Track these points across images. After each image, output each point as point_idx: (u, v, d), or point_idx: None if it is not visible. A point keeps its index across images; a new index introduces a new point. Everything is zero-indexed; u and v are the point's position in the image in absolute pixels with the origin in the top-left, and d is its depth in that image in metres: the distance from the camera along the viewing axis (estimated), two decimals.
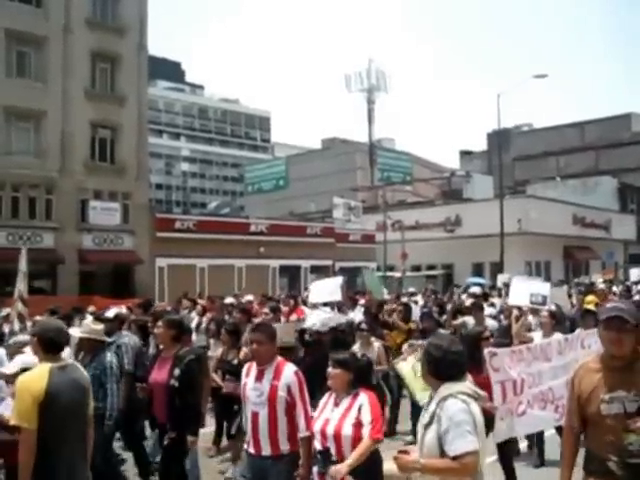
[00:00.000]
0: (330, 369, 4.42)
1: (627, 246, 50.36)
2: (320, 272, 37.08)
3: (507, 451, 6.11)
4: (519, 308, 9.10)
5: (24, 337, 6.62)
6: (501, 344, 7.67)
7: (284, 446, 4.59)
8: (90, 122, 28.18)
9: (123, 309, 10.92)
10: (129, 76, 29.63)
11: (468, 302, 12.72)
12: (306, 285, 34.33)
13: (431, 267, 40.67)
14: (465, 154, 70.34)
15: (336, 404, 4.37)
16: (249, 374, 4.78)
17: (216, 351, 8.70)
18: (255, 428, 4.64)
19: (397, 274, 35.48)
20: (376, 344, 8.33)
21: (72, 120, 27.45)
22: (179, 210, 61.84)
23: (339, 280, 12.11)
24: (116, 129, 29.22)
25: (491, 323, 9.73)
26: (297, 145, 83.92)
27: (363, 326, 8.58)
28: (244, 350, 7.11)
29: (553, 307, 10.15)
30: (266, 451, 4.60)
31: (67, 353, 7.01)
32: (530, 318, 9.21)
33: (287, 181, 55.47)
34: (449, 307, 13.28)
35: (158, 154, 76.28)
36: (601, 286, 18.81)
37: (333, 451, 4.20)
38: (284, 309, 13.48)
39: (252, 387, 4.68)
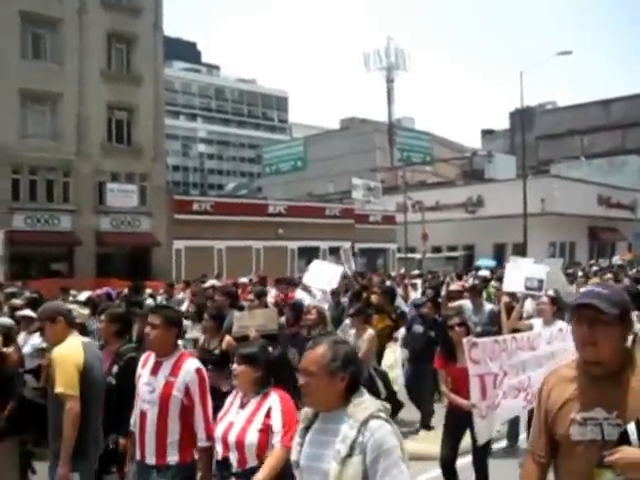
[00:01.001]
0: (235, 365, 3.77)
1: None
2: (340, 254, 36.75)
3: (482, 453, 5.51)
4: (511, 294, 8.55)
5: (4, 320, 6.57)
6: (488, 332, 7.12)
7: (172, 457, 3.83)
8: (106, 104, 27.92)
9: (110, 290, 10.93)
10: (145, 57, 29.30)
11: (453, 286, 11.73)
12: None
13: (452, 248, 40.14)
14: (487, 133, 69.17)
15: (242, 406, 3.70)
16: (146, 365, 4.04)
17: (192, 333, 8.22)
18: (142, 430, 3.89)
19: (417, 255, 35.02)
20: (369, 331, 7.55)
21: (88, 102, 27.22)
22: (196, 192, 61.66)
23: (339, 270, 11.41)
24: (132, 110, 28.94)
25: (489, 308, 9.01)
26: (315, 125, 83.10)
27: (352, 311, 7.86)
28: (227, 338, 6.58)
29: (551, 292, 9.63)
30: (150, 459, 3.85)
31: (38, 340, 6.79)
32: (528, 305, 8.62)
33: (305, 162, 55.05)
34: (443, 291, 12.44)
35: (175, 136, 75.98)
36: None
37: (234, 461, 3.53)
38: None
39: (145, 381, 3.95)
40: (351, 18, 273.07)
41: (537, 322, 6.93)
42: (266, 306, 7.55)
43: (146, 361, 4.05)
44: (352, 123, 63.24)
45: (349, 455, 2.49)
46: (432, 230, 35.63)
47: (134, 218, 28.48)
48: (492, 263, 26.94)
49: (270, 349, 4.59)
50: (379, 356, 8.56)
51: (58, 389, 4.04)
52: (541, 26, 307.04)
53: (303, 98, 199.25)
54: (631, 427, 2.23)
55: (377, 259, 38.10)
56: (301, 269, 31.96)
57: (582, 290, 2.69)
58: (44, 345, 6.42)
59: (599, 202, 42.89)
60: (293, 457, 2.70)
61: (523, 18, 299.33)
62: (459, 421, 5.47)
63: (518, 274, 7.90)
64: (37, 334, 6.87)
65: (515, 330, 6.80)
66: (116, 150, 28.41)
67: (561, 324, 6.49)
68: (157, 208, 28.84)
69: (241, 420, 3.62)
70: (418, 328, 8.33)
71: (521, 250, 30.39)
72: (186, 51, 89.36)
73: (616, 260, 26.39)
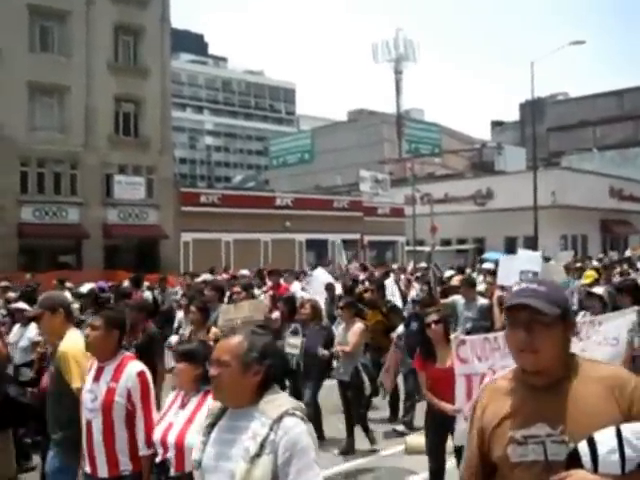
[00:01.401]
0: (174, 363, 3.65)
1: None
2: (348, 246, 36.55)
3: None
4: (504, 288, 8.24)
5: None
6: (480, 328, 6.90)
7: (125, 466, 3.63)
8: (114, 96, 27.82)
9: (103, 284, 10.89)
10: (152, 49, 29.15)
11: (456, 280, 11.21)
12: (334, 260, 33.91)
13: (462, 241, 39.83)
14: (497, 125, 68.68)
15: (182, 405, 3.51)
16: (90, 371, 3.83)
17: (186, 329, 8.14)
18: (89, 441, 3.65)
19: (426, 248, 34.75)
20: (358, 324, 7.34)
21: (95, 94, 27.13)
22: (203, 184, 61.54)
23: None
24: (139, 103, 28.81)
25: (480, 302, 8.48)
26: (323, 117, 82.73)
27: (342, 303, 7.66)
28: (214, 330, 6.47)
29: None
30: (102, 472, 3.62)
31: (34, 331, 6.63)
32: None
33: (312, 154, 54.80)
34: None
35: (182, 128, 75.82)
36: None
37: (172, 463, 3.33)
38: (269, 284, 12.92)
39: (88, 388, 3.73)
40: (359, 9, 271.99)
41: None
42: (253, 298, 7.39)
43: (91, 367, 3.83)
44: (360, 115, 62.89)
45: (258, 454, 2.27)
46: (441, 223, 35.31)
47: (141, 210, 28.36)
48: (498, 256, 25.65)
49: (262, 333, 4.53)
50: (377, 351, 8.30)
51: (75, 384, 3.97)
52: (553, 16, 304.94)
53: (311, 90, 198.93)
54: (583, 447, 1.85)
55: (386, 252, 37.87)
56: (309, 262, 31.93)
57: (515, 288, 2.25)
58: (40, 338, 6.30)
59: (611, 194, 42.44)
60: (195, 456, 2.45)
61: (534, 8, 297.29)
62: (440, 425, 5.16)
63: (512, 267, 7.64)
64: (33, 326, 6.75)
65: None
66: (123, 142, 28.30)
67: None
68: (164, 200, 28.71)
69: (181, 421, 3.43)
70: (414, 326, 8.05)
71: (532, 243, 30.09)
72: (193, 43, 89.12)
73: (627, 253, 25.98)
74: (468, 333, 7.14)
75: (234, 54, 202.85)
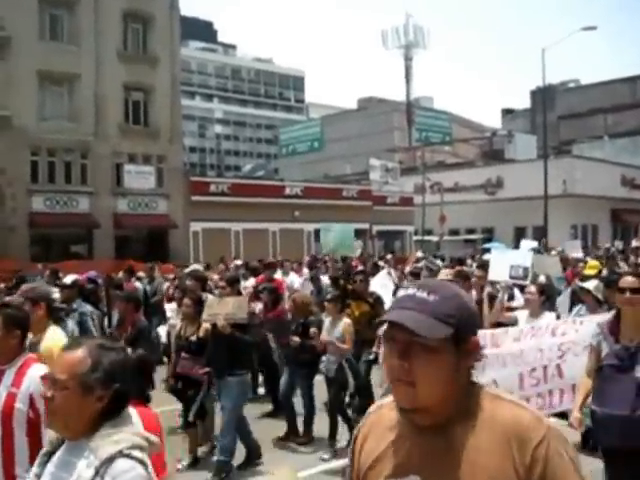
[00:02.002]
0: None
1: None
2: (357, 235, 36.51)
3: None
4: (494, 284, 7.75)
5: None
6: None
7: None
8: (123, 84, 27.80)
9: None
10: (161, 37, 29.07)
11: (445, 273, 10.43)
12: None
13: (470, 231, 39.70)
14: (507, 113, 68.08)
15: None
16: None
17: (176, 319, 8.04)
18: None
19: (435, 238, 34.69)
20: (345, 320, 7.11)
21: (105, 83, 27.12)
22: (213, 173, 61.57)
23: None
24: (149, 91, 28.80)
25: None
26: (332, 105, 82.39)
27: (329, 296, 7.43)
28: (205, 325, 6.36)
29: (542, 278, 9.01)
30: None
31: None
32: (518, 293, 7.82)
33: (322, 142, 54.68)
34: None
35: (191, 116, 75.72)
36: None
37: None
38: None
39: None
40: None
41: (522, 314, 6.29)
42: (239, 293, 7.06)
43: None
44: (370, 103, 62.64)
45: None
46: (451, 212, 35.24)
47: (151, 200, 28.42)
48: (500, 246, 23.65)
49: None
50: (361, 345, 7.76)
51: None
52: (564, 1, 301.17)
53: (320, 78, 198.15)
54: None
55: (394, 242, 37.80)
56: (317, 251, 31.92)
57: (399, 294, 1.65)
58: None
59: (623, 183, 42.10)
60: None
61: None
62: None
63: (503, 262, 7.19)
64: None
65: (498, 324, 6.25)
66: (133, 131, 28.33)
67: (549, 316, 6.05)
68: (174, 190, 28.75)
69: None
70: None
71: (542, 233, 29.93)
72: (202, 31, 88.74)
73: (634, 243, 25.57)
74: None
75: (243, 42, 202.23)
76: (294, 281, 11.81)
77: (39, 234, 25.48)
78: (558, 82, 61.53)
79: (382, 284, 9.95)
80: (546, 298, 6.27)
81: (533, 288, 6.36)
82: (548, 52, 30.76)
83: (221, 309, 6.28)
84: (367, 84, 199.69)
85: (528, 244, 15.29)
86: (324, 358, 7.05)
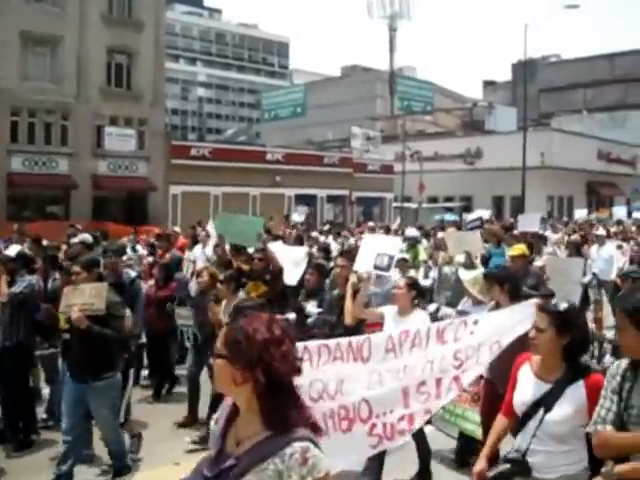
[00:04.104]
0: None
1: None
2: (337, 202, 36.90)
3: None
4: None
5: None
6: (324, 323, 5.95)
7: None
8: (106, 47, 27.66)
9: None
10: (146, 0, 28.77)
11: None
12: (322, 215, 34.28)
13: (449, 199, 40.22)
14: (488, 84, 68.19)
15: None
16: None
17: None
18: None
19: (414, 205, 35.17)
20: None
21: (88, 46, 26.97)
22: (194, 136, 61.20)
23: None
24: (132, 54, 28.65)
25: (335, 292, 6.48)
26: (316, 72, 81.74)
27: (221, 277, 6.69)
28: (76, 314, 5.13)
29: (460, 258, 8.14)
30: None
31: None
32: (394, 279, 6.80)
33: (305, 108, 54.36)
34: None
35: (174, 79, 74.81)
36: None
37: None
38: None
39: None
40: None
41: (390, 310, 5.35)
42: (100, 279, 5.65)
43: None
44: (353, 71, 62.41)
45: None
46: (430, 180, 35.68)
47: (132, 162, 28.46)
48: (455, 218, 20.71)
49: None
50: None
51: None
52: None
53: (305, 44, 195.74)
54: None
55: (373, 208, 38.26)
56: (310, 215, 32.08)
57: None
58: None
59: (599, 157, 42.74)
60: None
61: None
62: None
63: (371, 249, 6.10)
64: None
65: (361, 322, 5.54)
66: (115, 94, 28.21)
67: (420, 315, 5.14)
68: (155, 153, 28.78)
69: None
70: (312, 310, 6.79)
71: (519, 203, 30.55)
72: None
73: (577, 216, 24.09)
74: (309, 331, 6.13)
75: (229, 7, 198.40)
76: (199, 255, 10.67)
77: (16, 194, 25.51)
78: (539, 56, 61.74)
79: (295, 262, 8.47)
80: (419, 294, 5.43)
81: (402, 281, 5.48)
82: (531, 27, 31.02)
83: (76, 299, 5.19)
84: (351, 52, 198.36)
85: (479, 214, 14.95)
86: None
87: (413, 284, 5.37)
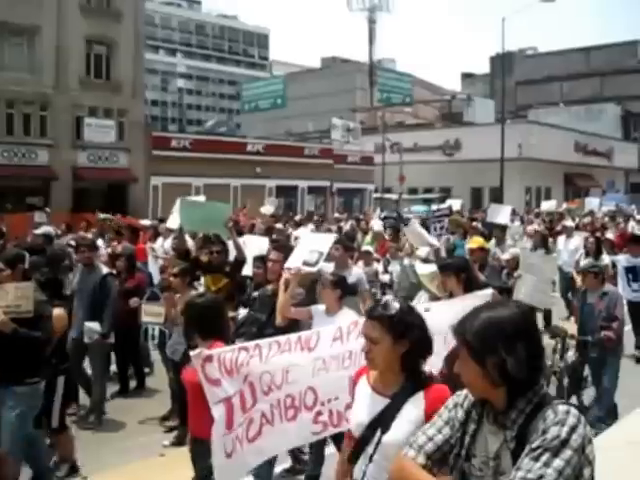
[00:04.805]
0: None
1: (628, 175, 50.13)
2: (318, 193, 37.10)
3: None
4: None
5: None
6: (253, 321, 5.63)
7: None
8: (85, 38, 27.55)
9: None
10: None
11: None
12: (303, 206, 34.46)
13: (428, 190, 40.60)
14: (467, 77, 68.82)
15: None
16: None
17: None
18: None
19: (394, 196, 35.50)
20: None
21: (67, 36, 26.83)
22: (174, 127, 61.01)
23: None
24: (111, 45, 28.54)
25: (268, 287, 5.95)
26: (296, 64, 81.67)
27: (175, 270, 6.32)
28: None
29: (424, 251, 7.70)
30: None
31: None
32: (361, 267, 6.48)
33: (285, 100, 54.47)
34: None
35: (154, 70, 74.35)
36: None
37: None
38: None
39: None
40: None
41: (318, 309, 5.15)
42: (25, 278, 5.04)
43: None
44: (333, 62, 62.52)
45: None
46: (409, 171, 36.03)
47: (112, 154, 28.38)
48: (424, 209, 20.68)
49: None
50: None
51: None
52: None
53: (285, 36, 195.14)
54: None
55: (353, 199, 38.53)
56: (280, 207, 32.31)
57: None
58: None
59: (576, 149, 43.36)
60: None
61: None
62: None
63: (305, 246, 5.85)
64: None
65: (295, 322, 5.23)
66: (94, 85, 28.09)
67: (347, 313, 4.90)
68: (135, 144, 28.73)
69: None
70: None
71: (498, 194, 30.97)
72: None
73: (544, 207, 23.65)
74: (237, 328, 5.96)
75: None
76: (159, 247, 10.44)
77: None
78: (517, 49, 62.39)
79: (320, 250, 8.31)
80: (345, 293, 5.16)
81: (328, 277, 5.25)
82: (508, 21, 31.39)
83: (0, 300, 4.61)
84: (331, 44, 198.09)
85: (450, 203, 15.20)
86: (169, 342, 6.19)
87: (337, 282, 5.08)
